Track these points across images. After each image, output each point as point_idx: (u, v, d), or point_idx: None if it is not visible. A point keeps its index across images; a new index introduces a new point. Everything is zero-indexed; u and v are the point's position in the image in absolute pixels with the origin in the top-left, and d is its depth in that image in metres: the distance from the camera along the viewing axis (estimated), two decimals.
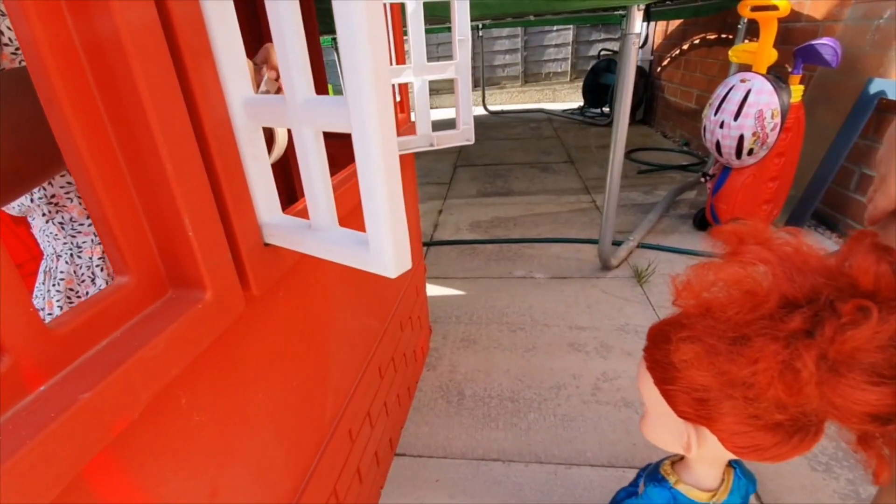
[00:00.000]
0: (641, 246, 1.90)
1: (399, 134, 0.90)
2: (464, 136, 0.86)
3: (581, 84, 4.60)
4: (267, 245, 0.47)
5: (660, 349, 0.48)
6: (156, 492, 0.38)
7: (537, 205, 2.44)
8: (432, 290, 1.68)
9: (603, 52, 4.64)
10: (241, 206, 0.43)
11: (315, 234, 0.43)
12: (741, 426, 0.43)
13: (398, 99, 1.02)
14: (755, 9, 1.67)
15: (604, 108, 4.49)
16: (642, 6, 1.27)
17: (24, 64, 0.45)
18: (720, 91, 1.68)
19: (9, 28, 0.44)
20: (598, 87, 4.37)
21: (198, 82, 0.37)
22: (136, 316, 0.36)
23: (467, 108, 0.84)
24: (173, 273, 0.39)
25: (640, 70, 4.04)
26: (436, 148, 0.84)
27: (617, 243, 1.86)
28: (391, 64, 0.90)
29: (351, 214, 0.58)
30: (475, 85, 5.81)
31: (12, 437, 0.26)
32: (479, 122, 4.78)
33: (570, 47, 5.40)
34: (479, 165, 3.24)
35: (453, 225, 2.26)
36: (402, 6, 0.89)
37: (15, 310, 0.27)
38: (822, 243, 1.82)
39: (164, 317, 0.36)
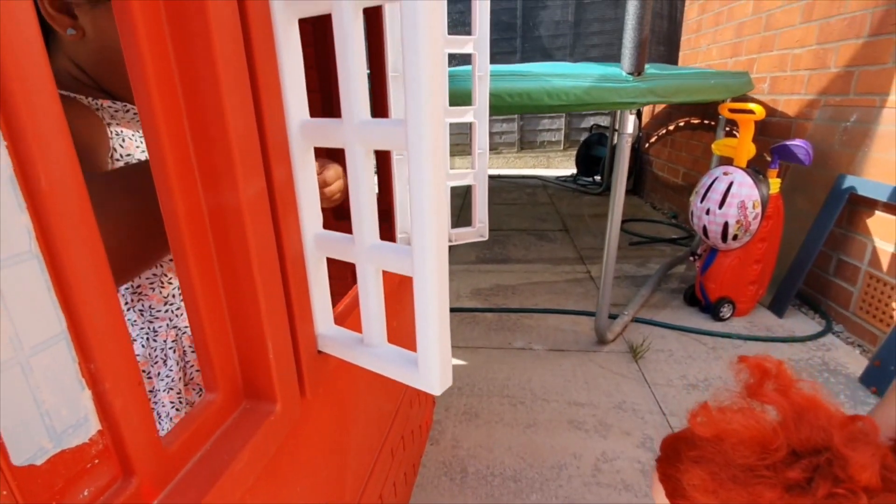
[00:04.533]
0: (636, 320, 1.97)
1: None
2: (479, 232, 0.95)
3: (574, 153, 4.86)
4: (320, 353, 0.53)
5: (671, 465, 0.52)
6: None
7: (534, 273, 2.53)
8: None
9: (595, 127, 4.94)
10: (304, 319, 0.49)
11: (367, 350, 0.49)
12: None
13: None
14: (733, 111, 1.85)
15: (595, 178, 4.73)
16: (634, 110, 1.42)
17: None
18: (705, 181, 1.83)
19: (121, 146, 0.52)
20: (590, 158, 4.63)
21: (282, 214, 0.45)
22: (220, 428, 0.42)
23: (483, 208, 0.94)
24: (249, 386, 0.45)
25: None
26: (453, 243, 0.93)
27: (612, 316, 1.93)
28: None
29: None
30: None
31: None
32: None
33: (563, 119, 5.75)
34: None
35: (454, 292, 2.33)
36: None
37: (145, 436, 0.33)
38: (806, 324, 1.91)
39: (245, 430, 0.42)
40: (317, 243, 0.49)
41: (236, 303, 0.42)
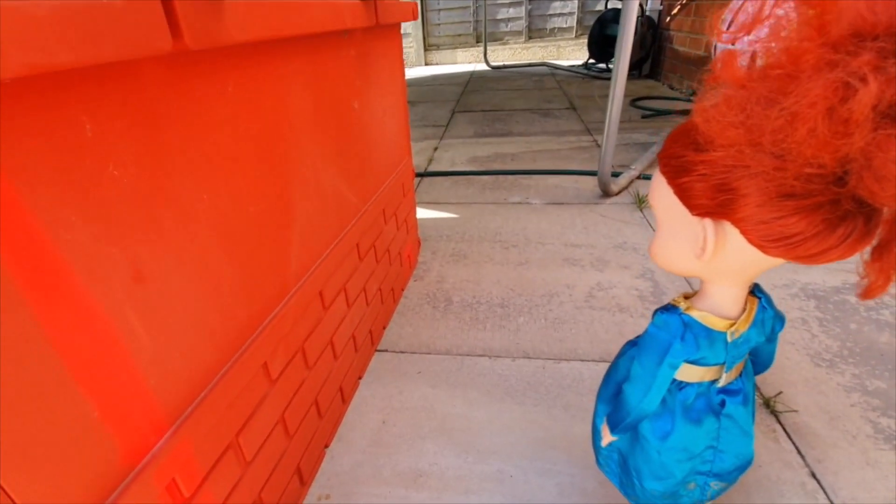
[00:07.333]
0: (644, 177, 1.82)
1: None
2: None
3: (586, 40, 4.42)
4: None
5: (677, 142, 0.42)
6: (61, 238, 0.32)
7: (537, 143, 2.35)
8: (423, 213, 1.61)
9: (611, 3, 4.45)
10: None
11: None
12: (767, 208, 0.36)
13: None
14: None
15: (609, 64, 4.34)
16: None
17: None
18: (734, 4, 1.57)
19: None
20: (605, 39, 4.20)
21: None
22: None
23: None
24: None
25: (649, 20, 3.88)
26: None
27: (617, 175, 1.78)
28: None
29: None
30: (476, 40, 5.61)
31: None
32: (479, 76, 4.62)
33: (576, 1, 5.19)
34: (477, 111, 3.13)
35: (449, 160, 2.17)
36: None
37: None
38: None
39: None
40: None
41: None
